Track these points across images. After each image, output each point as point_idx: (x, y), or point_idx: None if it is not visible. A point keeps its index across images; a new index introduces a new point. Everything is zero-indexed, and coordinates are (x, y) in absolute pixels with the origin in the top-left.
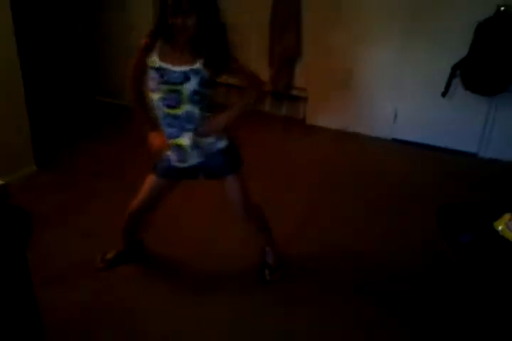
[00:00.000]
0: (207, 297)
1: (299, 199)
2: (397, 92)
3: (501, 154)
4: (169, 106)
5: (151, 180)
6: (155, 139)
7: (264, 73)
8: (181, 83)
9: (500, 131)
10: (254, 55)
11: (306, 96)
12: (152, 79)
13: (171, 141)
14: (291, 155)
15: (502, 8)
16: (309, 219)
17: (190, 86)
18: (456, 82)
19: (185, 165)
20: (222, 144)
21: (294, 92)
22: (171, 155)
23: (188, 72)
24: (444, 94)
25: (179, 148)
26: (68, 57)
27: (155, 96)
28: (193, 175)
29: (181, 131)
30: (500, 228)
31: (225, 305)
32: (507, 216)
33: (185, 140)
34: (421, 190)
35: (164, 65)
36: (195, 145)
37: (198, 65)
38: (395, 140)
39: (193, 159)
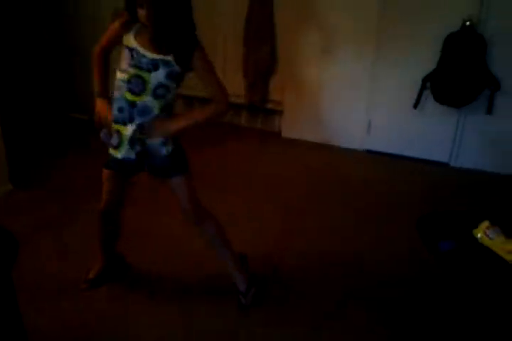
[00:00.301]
0: (192, 306)
1: (282, 209)
2: (370, 104)
3: (471, 163)
4: (131, 91)
5: (104, 175)
6: (103, 107)
7: (240, 84)
8: (149, 71)
9: (470, 141)
10: (230, 66)
11: (282, 110)
12: (124, 59)
13: (114, 125)
14: (270, 167)
15: (467, 23)
16: (294, 229)
17: (157, 76)
18: (427, 93)
19: (118, 155)
20: (166, 151)
21: (270, 106)
22: (113, 138)
23: (158, 60)
24: (415, 106)
25: (118, 135)
26: (40, 73)
27: (121, 76)
28: (139, 167)
29: (129, 120)
30: (479, 235)
31: (212, 315)
32: (485, 224)
33: (128, 130)
34: (398, 199)
35: (138, 47)
36: (134, 140)
37: (170, 57)
38: (368, 151)
39: (127, 152)
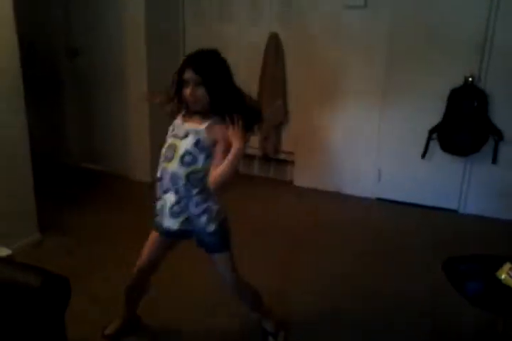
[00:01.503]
0: None
1: (289, 256)
2: (379, 154)
3: (479, 210)
4: (166, 158)
5: (151, 236)
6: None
7: (253, 137)
8: (180, 138)
9: (477, 188)
10: None
11: (293, 160)
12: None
13: (160, 194)
14: (280, 214)
15: (470, 79)
16: (300, 278)
17: (184, 144)
18: (434, 143)
19: (162, 223)
20: (211, 228)
21: (282, 156)
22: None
23: (190, 130)
24: (423, 156)
25: (162, 202)
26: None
27: (164, 146)
28: (186, 235)
29: (168, 187)
30: (503, 277)
31: None
32: (508, 265)
33: (169, 198)
34: (411, 245)
35: (179, 122)
36: (174, 211)
37: (201, 127)
38: (379, 199)
39: (169, 222)
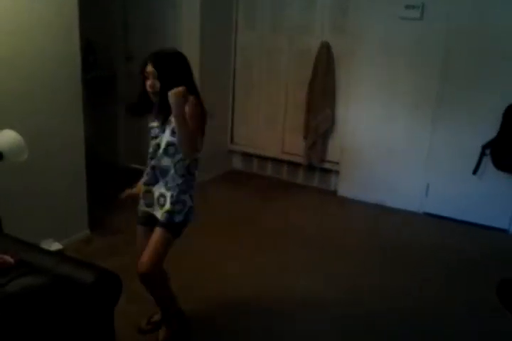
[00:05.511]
0: None
1: (337, 272)
2: (429, 167)
3: None
4: (152, 158)
5: (139, 231)
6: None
7: (299, 145)
8: (159, 136)
9: None
10: (290, 128)
11: (338, 170)
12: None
13: (145, 187)
14: (321, 224)
15: None
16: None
17: (165, 137)
18: (487, 160)
19: (152, 211)
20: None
21: (327, 165)
22: (143, 198)
23: (164, 124)
24: (474, 172)
25: (150, 194)
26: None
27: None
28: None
29: (155, 181)
30: None
31: None
32: None
33: (155, 191)
34: (458, 264)
35: (154, 124)
36: (160, 200)
37: (170, 117)
38: (426, 214)
39: (157, 211)
